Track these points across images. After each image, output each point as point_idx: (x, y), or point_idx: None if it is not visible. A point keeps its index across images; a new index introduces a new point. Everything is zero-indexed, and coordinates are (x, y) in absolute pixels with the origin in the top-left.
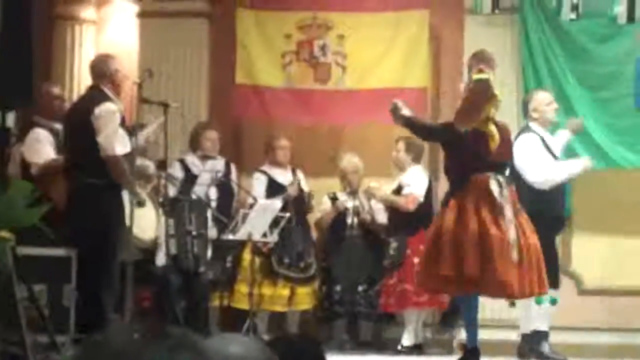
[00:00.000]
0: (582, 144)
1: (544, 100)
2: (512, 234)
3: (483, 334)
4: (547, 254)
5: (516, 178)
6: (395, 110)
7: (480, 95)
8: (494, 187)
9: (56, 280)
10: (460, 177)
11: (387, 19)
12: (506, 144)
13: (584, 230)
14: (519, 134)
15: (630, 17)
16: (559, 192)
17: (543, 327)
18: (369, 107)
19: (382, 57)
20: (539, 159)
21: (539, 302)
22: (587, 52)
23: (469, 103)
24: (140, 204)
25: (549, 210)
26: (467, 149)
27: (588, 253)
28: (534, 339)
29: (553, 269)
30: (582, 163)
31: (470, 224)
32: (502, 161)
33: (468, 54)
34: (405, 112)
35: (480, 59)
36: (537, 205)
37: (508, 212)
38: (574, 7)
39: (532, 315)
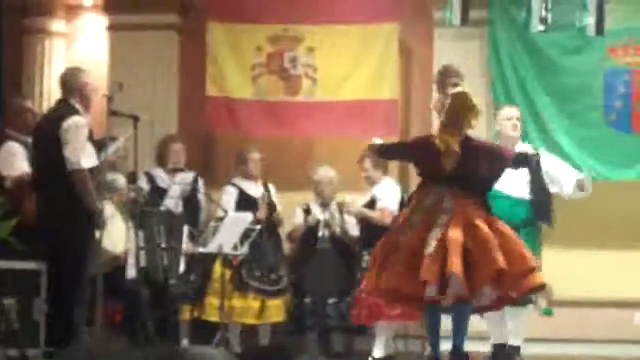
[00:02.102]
0: (552, 155)
1: (504, 114)
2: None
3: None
4: None
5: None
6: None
7: (464, 107)
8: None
9: (26, 294)
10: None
11: (357, 32)
12: (474, 158)
13: (554, 242)
14: None
15: (599, 29)
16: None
17: (516, 342)
18: (340, 119)
19: (352, 69)
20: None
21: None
22: (556, 64)
23: (453, 114)
24: (99, 226)
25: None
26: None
27: (558, 264)
28: (506, 353)
29: None
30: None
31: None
32: (459, 175)
33: (438, 66)
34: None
35: (451, 73)
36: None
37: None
38: (543, 20)
39: (507, 328)
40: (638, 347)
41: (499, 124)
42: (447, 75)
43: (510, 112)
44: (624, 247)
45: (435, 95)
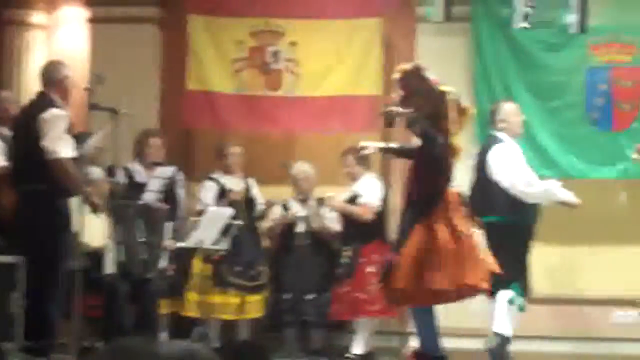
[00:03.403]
0: (532, 153)
1: (511, 111)
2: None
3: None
4: (526, 260)
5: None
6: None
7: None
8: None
9: (3, 288)
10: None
11: (339, 27)
12: None
13: (535, 239)
14: (490, 145)
15: (582, 27)
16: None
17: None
18: (321, 114)
19: (334, 65)
20: (526, 170)
21: (511, 303)
22: (539, 61)
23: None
24: (95, 210)
25: (524, 220)
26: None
27: (537, 262)
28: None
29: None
30: (570, 196)
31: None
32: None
33: (420, 62)
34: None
35: (426, 71)
36: (512, 214)
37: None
38: (526, 17)
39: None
40: (616, 344)
41: (504, 121)
42: (423, 72)
43: (516, 109)
44: (603, 245)
45: (400, 92)
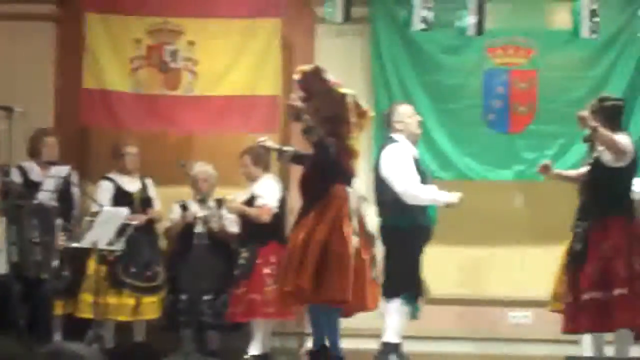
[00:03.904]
0: (430, 155)
1: (406, 112)
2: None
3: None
4: (418, 264)
5: (379, 189)
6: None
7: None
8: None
9: None
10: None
11: (238, 26)
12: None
13: (432, 240)
14: (383, 145)
15: (479, 29)
16: None
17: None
18: (219, 114)
19: (233, 64)
20: (408, 171)
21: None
22: (437, 63)
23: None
24: None
25: (415, 221)
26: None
27: (436, 262)
28: (385, 350)
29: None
30: (449, 197)
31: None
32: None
33: (319, 63)
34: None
35: (325, 72)
36: (404, 216)
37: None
38: (424, 18)
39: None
40: (513, 345)
41: (400, 122)
42: (323, 73)
43: (410, 110)
44: (500, 246)
45: (300, 93)
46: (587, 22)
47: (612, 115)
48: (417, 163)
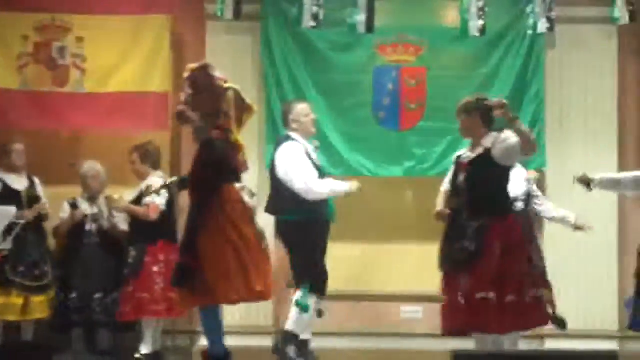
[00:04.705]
0: (323, 152)
1: (302, 111)
2: None
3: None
4: (321, 256)
5: (274, 187)
6: None
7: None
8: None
9: None
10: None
11: (127, 23)
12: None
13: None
14: (279, 143)
15: (369, 27)
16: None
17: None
18: (109, 111)
19: (122, 61)
20: (305, 168)
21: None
22: (327, 61)
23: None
24: None
25: (316, 216)
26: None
27: (333, 259)
28: (285, 339)
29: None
30: (347, 185)
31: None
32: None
33: (211, 60)
34: None
35: (213, 68)
36: (305, 211)
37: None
38: (315, 16)
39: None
40: (404, 339)
41: (295, 121)
42: (211, 69)
43: (307, 109)
44: (391, 241)
45: (189, 91)
46: (475, 20)
47: (488, 115)
48: (312, 159)
